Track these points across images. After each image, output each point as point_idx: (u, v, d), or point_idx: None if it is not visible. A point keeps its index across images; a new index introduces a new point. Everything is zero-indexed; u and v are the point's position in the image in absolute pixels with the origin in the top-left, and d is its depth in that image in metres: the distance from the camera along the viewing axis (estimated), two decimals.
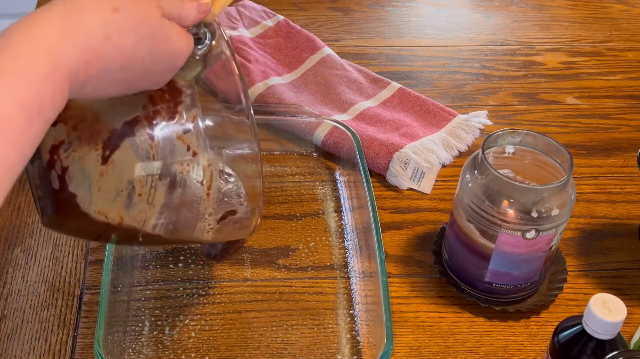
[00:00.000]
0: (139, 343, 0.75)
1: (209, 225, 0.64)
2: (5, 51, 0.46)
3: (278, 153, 0.98)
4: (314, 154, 0.98)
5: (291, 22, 1.18)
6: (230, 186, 0.64)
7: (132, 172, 0.59)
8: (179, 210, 0.62)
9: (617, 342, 0.63)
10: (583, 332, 0.64)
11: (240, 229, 0.67)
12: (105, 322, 0.70)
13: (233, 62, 0.61)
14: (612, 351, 0.59)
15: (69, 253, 0.83)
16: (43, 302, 0.79)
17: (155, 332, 0.76)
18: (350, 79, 1.08)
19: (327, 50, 1.12)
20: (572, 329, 0.65)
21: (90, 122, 0.58)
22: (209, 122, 0.60)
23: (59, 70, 0.47)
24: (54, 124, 0.54)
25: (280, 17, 1.19)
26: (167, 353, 0.74)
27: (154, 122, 0.59)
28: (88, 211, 0.60)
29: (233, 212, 0.64)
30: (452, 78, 1.13)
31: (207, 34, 0.59)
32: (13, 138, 0.44)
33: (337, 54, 1.12)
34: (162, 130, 0.59)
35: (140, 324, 0.77)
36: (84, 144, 0.58)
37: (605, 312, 0.62)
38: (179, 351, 0.75)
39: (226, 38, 0.61)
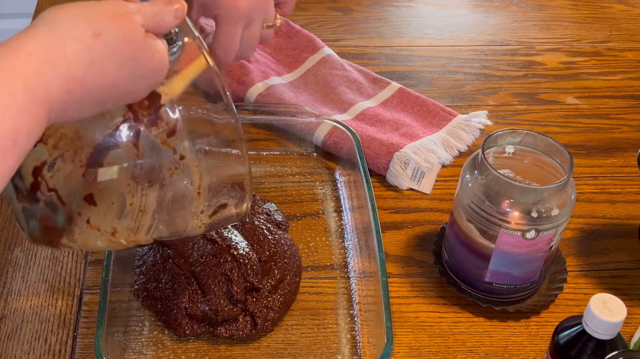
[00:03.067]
0: (139, 343, 0.75)
1: (202, 221, 0.64)
2: None
3: (278, 153, 0.98)
4: (314, 154, 0.98)
5: (291, 22, 1.18)
6: (219, 180, 0.63)
7: (120, 184, 0.58)
8: (172, 213, 0.61)
9: (617, 342, 0.63)
10: (583, 332, 0.64)
11: (231, 216, 0.66)
12: (105, 322, 0.70)
13: (206, 55, 0.59)
14: (612, 351, 0.59)
15: (69, 253, 0.83)
16: (43, 302, 0.79)
17: (155, 332, 0.76)
18: (350, 79, 1.08)
19: (327, 50, 1.12)
20: (572, 329, 0.65)
21: (71, 138, 0.57)
22: (192, 121, 0.59)
23: (37, 101, 0.46)
24: (33, 145, 0.54)
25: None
26: (167, 353, 0.74)
27: (136, 130, 0.57)
28: (80, 227, 0.59)
29: (224, 206, 0.64)
30: (452, 78, 1.13)
31: (178, 32, 0.58)
32: None
33: (337, 54, 1.12)
34: (146, 137, 0.58)
35: (140, 325, 0.77)
36: (67, 162, 0.57)
37: (605, 312, 0.62)
38: (179, 351, 0.75)
39: (195, 31, 0.60)
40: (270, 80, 1.05)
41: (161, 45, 0.55)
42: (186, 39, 0.59)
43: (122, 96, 0.54)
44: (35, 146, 0.55)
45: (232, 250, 0.77)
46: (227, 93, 0.60)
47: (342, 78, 1.08)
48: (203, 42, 0.60)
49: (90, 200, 0.58)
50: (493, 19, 1.28)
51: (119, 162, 0.58)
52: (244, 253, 0.78)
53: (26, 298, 0.79)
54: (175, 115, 0.58)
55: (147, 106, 0.57)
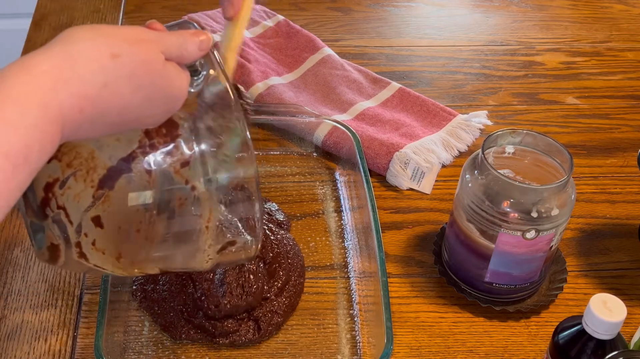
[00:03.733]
0: (139, 343, 0.75)
1: (208, 255, 0.63)
2: None
3: (278, 153, 0.98)
4: (314, 154, 0.98)
5: (291, 22, 1.18)
6: (228, 216, 0.62)
7: (129, 209, 0.58)
8: (178, 243, 0.61)
9: (617, 342, 0.63)
10: (583, 332, 0.64)
11: (239, 256, 0.65)
12: (105, 322, 0.70)
13: (230, 93, 0.59)
14: (612, 351, 0.59)
15: None
16: (43, 302, 0.79)
17: (155, 332, 0.76)
18: (350, 79, 1.08)
19: (327, 50, 1.12)
20: (572, 329, 0.65)
21: (85, 158, 0.56)
22: (208, 155, 0.58)
23: (50, 119, 0.46)
24: (48, 161, 0.53)
25: (280, 17, 1.19)
26: (167, 353, 0.74)
27: (151, 158, 0.57)
28: (85, 248, 0.59)
29: (232, 243, 0.63)
30: (452, 78, 1.13)
31: (204, 64, 0.58)
32: None
33: (337, 54, 1.12)
34: (159, 165, 0.57)
35: (140, 325, 0.77)
36: (79, 181, 0.57)
37: (605, 312, 0.62)
38: (179, 351, 0.75)
39: (219, 62, 0.59)
40: (270, 80, 1.05)
41: (182, 74, 0.55)
42: (211, 72, 0.58)
43: (135, 120, 0.53)
44: (49, 162, 0.54)
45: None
46: (248, 132, 0.59)
47: (342, 78, 1.08)
48: (227, 75, 0.59)
49: (97, 221, 0.57)
50: (493, 19, 1.28)
51: (130, 188, 0.57)
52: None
53: (26, 298, 0.79)
54: (191, 147, 0.58)
55: (164, 134, 0.57)
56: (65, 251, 0.59)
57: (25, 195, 0.58)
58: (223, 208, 0.61)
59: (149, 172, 0.57)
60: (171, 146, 0.57)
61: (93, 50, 0.49)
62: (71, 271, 0.77)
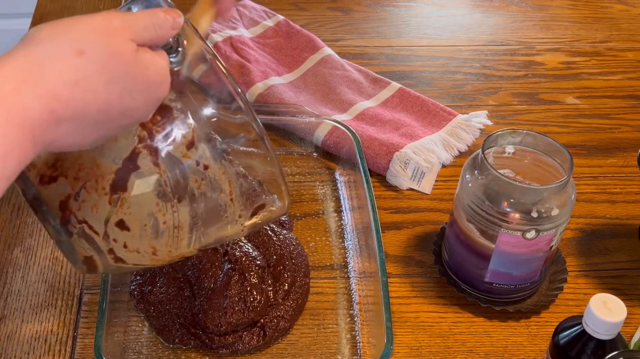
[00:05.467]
0: (139, 343, 0.75)
1: (242, 224, 0.62)
2: None
3: (278, 153, 0.98)
4: (314, 154, 0.98)
5: (291, 22, 1.18)
6: (249, 181, 0.61)
7: (149, 205, 0.57)
8: (208, 223, 0.60)
9: (617, 342, 0.63)
10: (583, 332, 0.64)
11: (272, 215, 0.64)
12: (105, 322, 0.70)
13: (216, 60, 0.58)
14: (612, 351, 0.59)
15: None
16: (43, 302, 0.79)
17: (155, 332, 0.76)
18: (350, 79, 1.08)
19: (327, 50, 1.12)
20: (572, 330, 0.65)
21: (90, 167, 0.56)
22: (209, 128, 0.58)
23: (15, 122, 0.44)
24: (54, 180, 0.52)
25: (280, 17, 1.19)
26: (167, 353, 0.74)
27: (154, 149, 0.56)
28: (119, 252, 0.58)
29: (262, 206, 0.62)
30: (452, 78, 1.13)
31: (177, 38, 0.56)
32: None
33: (337, 54, 1.12)
34: (165, 154, 0.56)
35: (140, 325, 0.77)
36: (91, 192, 0.56)
37: (605, 312, 0.62)
38: (179, 351, 0.74)
39: (196, 34, 0.57)
40: (270, 80, 1.05)
41: (157, 58, 0.52)
42: (186, 43, 0.57)
43: (121, 115, 0.51)
44: (56, 181, 0.54)
45: (237, 265, 0.75)
46: (239, 90, 0.58)
47: (342, 78, 1.08)
48: (206, 42, 0.58)
49: (122, 225, 0.57)
50: (493, 19, 1.28)
51: (143, 184, 0.56)
52: (248, 262, 0.76)
53: (26, 298, 0.79)
54: (190, 125, 0.57)
55: (160, 122, 0.56)
56: (101, 260, 0.59)
57: (46, 220, 0.57)
58: (241, 177, 0.60)
59: (156, 164, 0.56)
60: (170, 131, 0.56)
61: (57, 49, 0.47)
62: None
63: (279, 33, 1.16)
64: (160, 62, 0.52)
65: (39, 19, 1.20)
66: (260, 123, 0.59)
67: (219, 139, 0.58)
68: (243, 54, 1.09)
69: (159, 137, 0.56)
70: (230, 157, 0.59)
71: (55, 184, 0.53)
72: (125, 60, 0.49)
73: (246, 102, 0.59)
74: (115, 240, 0.58)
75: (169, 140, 0.57)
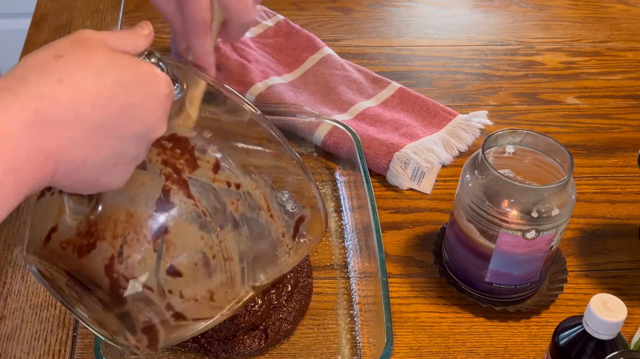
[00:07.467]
0: None
1: (288, 246, 0.61)
2: None
3: None
4: (314, 154, 0.98)
5: (291, 22, 1.18)
6: (283, 195, 0.60)
7: (194, 241, 0.56)
8: (255, 246, 0.58)
9: (617, 342, 0.63)
10: (583, 332, 0.64)
11: (314, 233, 0.63)
12: None
13: (204, 83, 0.57)
14: (612, 351, 0.59)
15: None
16: (43, 302, 0.79)
17: None
18: (350, 79, 1.08)
19: (327, 50, 1.12)
20: (573, 330, 0.65)
21: (125, 220, 0.54)
22: (230, 146, 0.57)
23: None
24: (93, 246, 0.50)
25: (280, 17, 1.19)
26: (167, 353, 0.74)
27: (183, 182, 0.55)
28: (177, 305, 0.56)
29: (302, 219, 0.61)
30: (452, 78, 1.13)
31: (175, 77, 0.54)
32: None
33: (337, 53, 1.12)
34: (195, 183, 0.55)
35: None
36: (133, 245, 0.54)
37: (605, 312, 0.62)
38: (179, 352, 0.74)
39: (179, 64, 0.57)
40: (270, 80, 1.05)
41: (141, 60, 0.51)
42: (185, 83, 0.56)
43: (123, 112, 0.48)
44: (95, 246, 0.53)
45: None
46: (244, 98, 0.58)
47: (342, 78, 1.08)
48: (195, 69, 0.58)
49: (173, 272, 0.55)
50: (493, 19, 1.28)
51: (182, 220, 0.55)
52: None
53: (26, 298, 0.79)
54: (211, 148, 0.56)
55: (180, 154, 0.56)
56: (161, 323, 0.57)
57: (98, 300, 0.56)
58: (274, 189, 0.59)
59: (189, 195, 0.55)
60: (194, 161, 0.56)
61: (35, 59, 0.46)
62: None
63: (279, 33, 1.16)
64: (145, 63, 0.51)
65: (38, 19, 1.20)
66: (275, 128, 0.58)
67: (243, 156, 0.57)
68: (243, 54, 1.09)
69: (184, 168, 0.56)
70: (256, 166, 0.58)
71: (95, 250, 0.51)
72: (107, 54, 0.48)
73: (253, 108, 0.58)
74: (170, 291, 0.56)
75: (195, 170, 0.56)
